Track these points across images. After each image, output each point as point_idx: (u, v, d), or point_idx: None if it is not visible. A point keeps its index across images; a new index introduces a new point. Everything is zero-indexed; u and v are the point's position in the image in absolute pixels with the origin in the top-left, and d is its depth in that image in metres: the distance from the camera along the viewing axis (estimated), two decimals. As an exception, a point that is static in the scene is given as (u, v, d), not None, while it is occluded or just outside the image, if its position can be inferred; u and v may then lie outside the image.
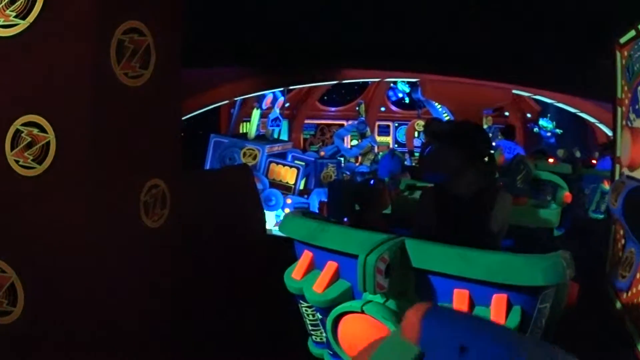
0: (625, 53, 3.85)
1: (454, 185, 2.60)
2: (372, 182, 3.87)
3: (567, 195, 5.44)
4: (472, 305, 1.88)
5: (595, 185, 6.85)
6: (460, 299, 1.87)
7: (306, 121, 13.26)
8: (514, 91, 8.75)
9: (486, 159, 2.65)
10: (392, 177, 5.38)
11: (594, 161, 8.65)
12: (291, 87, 12.29)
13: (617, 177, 4.11)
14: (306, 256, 2.14)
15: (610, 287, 3.96)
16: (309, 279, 2.11)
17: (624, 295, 3.62)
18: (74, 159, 2.76)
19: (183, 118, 7.82)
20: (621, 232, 4.06)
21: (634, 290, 3.48)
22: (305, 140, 13.33)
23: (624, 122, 3.93)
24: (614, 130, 4.17)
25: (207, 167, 8.67)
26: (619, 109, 4.04)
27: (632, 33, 3.70)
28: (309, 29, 6.62)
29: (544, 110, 13.45)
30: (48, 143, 2.74)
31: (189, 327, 3.28)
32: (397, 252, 1.94)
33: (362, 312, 1.94)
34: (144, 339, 2.97)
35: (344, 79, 8.12)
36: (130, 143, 2.94)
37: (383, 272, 1.87)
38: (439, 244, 2.00)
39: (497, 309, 1.84)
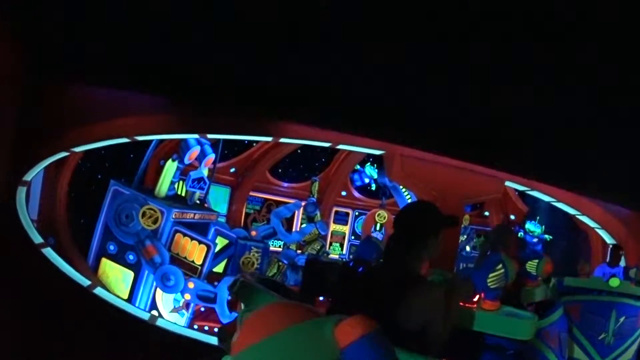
0: None
1: (378, 269, 2.79)
2: (360, 268, 3.48)
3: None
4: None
5: None
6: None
7: (252, 193, 11.24)
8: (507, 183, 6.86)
9: (416, 241, 2.52)
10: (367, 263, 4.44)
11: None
12: (237, 148, 10.50)
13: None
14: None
15: None
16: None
17: None
18: None
19: (77, 149, 5.78)
20: None
21: None
22: (247, 215, 11.25)
23: None
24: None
25: (102, 218, 6.71)
26: None
27: None
28: (249, 66, 4.83)
29: (532, 211, 11.63)
30: None
31: None
32: None
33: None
34: None
35: (283, 136, 6.19)
36: None
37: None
38: None
39: None
